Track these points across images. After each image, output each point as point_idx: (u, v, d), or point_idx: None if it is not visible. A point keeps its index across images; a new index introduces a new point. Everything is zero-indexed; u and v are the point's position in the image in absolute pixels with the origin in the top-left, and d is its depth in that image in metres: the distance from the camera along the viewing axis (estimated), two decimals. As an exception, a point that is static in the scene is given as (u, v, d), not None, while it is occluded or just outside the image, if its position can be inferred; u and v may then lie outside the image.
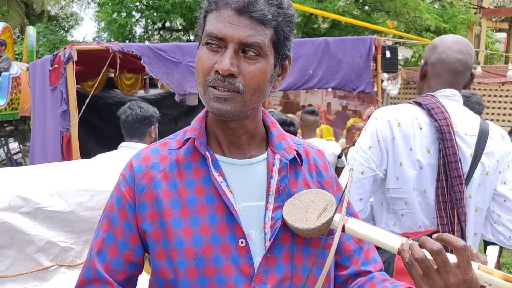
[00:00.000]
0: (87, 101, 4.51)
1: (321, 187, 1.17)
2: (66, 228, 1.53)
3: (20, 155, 10.65)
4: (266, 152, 1.15)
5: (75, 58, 4.18)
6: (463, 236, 1.76)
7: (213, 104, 1.02)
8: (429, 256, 0.90)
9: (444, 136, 1.75)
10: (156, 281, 1.09)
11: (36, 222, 1.48)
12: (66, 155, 4.31)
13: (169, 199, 1.07)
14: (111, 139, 7.14)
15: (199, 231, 1.04)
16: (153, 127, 2.95)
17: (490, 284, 0.90)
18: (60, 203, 1.52)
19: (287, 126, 3.27)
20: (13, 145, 10.66)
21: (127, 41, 13.57)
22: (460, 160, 1.75)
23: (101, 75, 4.79)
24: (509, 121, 10.25)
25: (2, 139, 9.88)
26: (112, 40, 13.64)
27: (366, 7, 14.34)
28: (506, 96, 10.67)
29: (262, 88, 1.06)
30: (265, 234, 1.08)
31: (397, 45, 6.55)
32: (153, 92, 7.79)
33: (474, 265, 0.91)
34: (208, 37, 1.02)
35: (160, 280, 1.08)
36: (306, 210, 1.08)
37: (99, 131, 7.27)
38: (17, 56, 14.56)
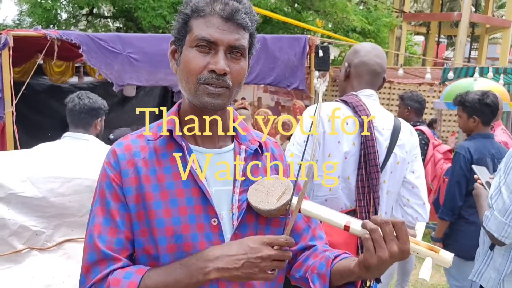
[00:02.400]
0: (22, 89, 4.37)
1: (278, 174, 1.36)
2: (37, 213, 1.59)
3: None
4: (233, 143, 1.32)
5: (12, 44, 4.05)
6: (376, 214, 2.06)
7: (207, 99, 1.17)
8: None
9: (365, 130, 2.03)
10: (140, 258, 1.20)
11: (10, 207, 1.53)
12: (0, 146, 4.15)
13: (150, 184, 1.20)
14: (40, 128, 6.92)
15: (178, 212, 1.18)
16: (99, 119, 2.79)
17: (417, 253, 1.11)
18: (32, 189, 1.58)
19: None
20: None
21: (51, 25, 12.97)
22: (377, 151, 2.04)
23: (36, 62, 4.63)
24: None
25: None
26: (35, 24, 12.97)
27: (297, 5, 14.77)
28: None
29: (242, 83, 1.24)
30: (233, 214, 1.24)
31: (329, 45, 6.91)
32: (85, 80, 7.57)
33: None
34: (200, 40, 1.16)
35: (144, 257, 1.20)
36: (267, 194, 1.25)
37: (26, 120, 6.97)
38: None
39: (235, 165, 1.28)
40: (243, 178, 1.27)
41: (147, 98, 7.96)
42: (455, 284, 3.36)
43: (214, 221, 1.20)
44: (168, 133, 1.24)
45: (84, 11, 14.59)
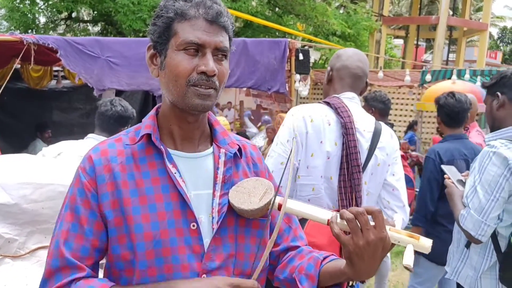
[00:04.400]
0: (0, 90, 4.29)
1: (257, 176, 1.36)
2: (9, 220, 1.56)
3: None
4: (212, 147, 1.31)
5: (-14, 48, 3.97)
6: None
7: (197, 101, 1.17)
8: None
9: (348, 131, 2.06)
10: (115, 264, 1.18)
11: (-20, 214, 1.49)
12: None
13: (128, 189, 1.18)
14: (16, 133, 6.80)
15: (157, 217, 1.17)
16: (126, 127, 2.93)
17: (399, 242, 1.13)
18: (3, 195, 1.55)
19: None
20: None
21: (30, 30, 12.79)
22: (359, 152, 2.06)
23: (12, 67, 4.55)
24: (404, 121, 11.24)
25: None
26: (13, 29, 12.78)
27: (277, 9, 14.84)
28: (402, 98, 11.67)
29: (225, 84, 1.26)
30: (213, 218, 1.24)
31: (308, 48, 6.96)
32: (65, 85, 7.48)
33: (386, 227, 1.13)
34: (188, 44, 1.16)
35: (120, 263, 1.18)
36: (249, 195, 1.25)
37: (3, 124, 6.86)
38: None
39: (214, 168, 1.27)
40: (224, 182, 1.26)
41: (129, 102, 7.91)
42: (415, 284, 3.36)
43: (193, 226, 1.19)
44: (145, 138, 1.23)
45: (63, 15, 14.43)
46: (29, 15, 12.36)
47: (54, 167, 1.74)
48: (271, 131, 5.93)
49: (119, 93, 5.69)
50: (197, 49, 1.17)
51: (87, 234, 1.16)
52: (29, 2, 12.08)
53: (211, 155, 1.30)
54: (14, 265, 1.55)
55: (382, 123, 2.25)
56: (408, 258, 1.08)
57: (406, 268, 1.09)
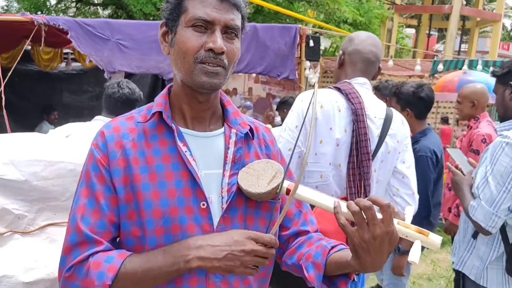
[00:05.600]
0: (9, 74, 4.30)
1: (269, 158, 1.36)
2: (20, 196, 1.57)
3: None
4: (223, 127, 1.31)
5: (-4, 28, 3.98)
6: None
7: (204, 79, 1.17)
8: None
9: (358, 118, 2.03)
10: (126, 241, 1.19)
11: (-9, 190, 1.51)
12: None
13: (138, 166, 1.19)
14: (25, 114, 6.84)
15: (167, 194, 1.18)
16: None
17: (406, 236, 1.11)
18: (14, 172, 1.56)
19: None
20: None
21: (39, 12, 12.80)
22: (369, 139, 2.04)
23: (22, 48, 4.56)
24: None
25: None
26: (23, 10, 12.79)
27: (289, -4, 14.71)
28: (412, 88, 11.56)
29: (236, 63, 1.25)
30: (223, 197, 1.24)
31: (320, 35, 6.90)
32: (75, 67, 7.50)
33: (395, 220, 1.11)
34: (197, 20, 1.16)
35: (130, 240, 1.18)
36: (258, 177, 1.25)
37: (12, 106, 6.90)
38: None
39: (225, 148, 1.27)
40: (234, 162, 1.26)
41: (138, 86, 7.90)
42: (392, 280, 3.29)
43: (203, 205, 1.20)
44: (156, 116, 1.24)
45: (74, -2, 14.42)
46: (40, -3, 12.36)
47: (64, 145, 1.75)
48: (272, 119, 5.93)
49: (128, 76, 5.69)
50: (206, 26, 1.17)
51: (103, 209, 1.16)
52: (40, -17, 12.09)
53: (222, 135, 1.30)
54: (23, 241, 1.56)
55: (393, 110, 2.23)
56: (415, 254, 1.06)
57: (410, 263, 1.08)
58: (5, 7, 14.43)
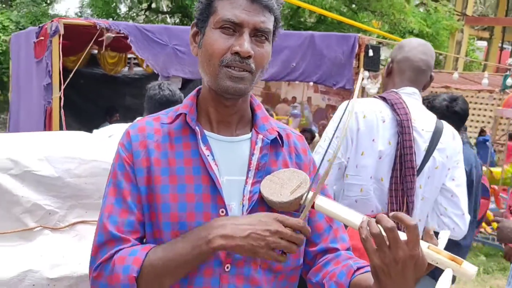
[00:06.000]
0: (71, 76, 4.51)
1: (299, 168, 1.28)
2: (52, 192, 1.59)
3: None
4: (251, 132, 1.26)
5: (62, 32, 4.18)
6: None
7: (228, 83, 1.13)
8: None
9: (403, 129, 1.90)
10: (149, 242, 1.18)
11: (24, 184, 1.54)
12: (48, 128, 4.31)
13: (159, 167, 1.16)
14: (90, 115, 7.15)
15: (185, 198, 1.14)
16: None
17: (437, 263, 1.00)
18: (48, 168, 1.58)
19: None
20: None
21: (110, 19, 13.44)
22: (415, 152, 1.91)
23: (86, 51, 4.77)
24: (481, 127, 10.57)
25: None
26: (95, 16, 13.48)
27: (353, 5, 14.49)
28: (481, 104, 10.99)
29: (265, 68, 1.20)
30: (243, 206, 1.18)
31: (380, 45, 6.70)
32: (137, 72, 7.77)
33: (425, 244, 1.01)
34: (225, 22, 1.12)
35: (152, 241, 1.17)
36: (282, 186, 1.18)
37: (78, 107, 7.24)
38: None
39: (250, 154, 1.22)
40: (257, 169, 1.20)
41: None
42: None
43: (222, 212, 1.15)
44: (182, 118, 1.22)
45: (143, 6, 15.00)
46: (111, 4, 12.98)
47: (100, 144, 1.76)
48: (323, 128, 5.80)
49: (187, 81, 5.81)
50: (235, 28, 1.12)
51: (131, 207, 1.15)
52: (111, -9, 12.70)
53: (248, 141, 1.25)
54: (52, 237, 1.58)
55: (444, 122, 2.07)
56: (444, 283, 0.95)
57: None
58: (79, 13, 15.27)
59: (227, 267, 1.15)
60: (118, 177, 1.18)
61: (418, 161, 1.94)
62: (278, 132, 1.27)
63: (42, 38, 4.45)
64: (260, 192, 1.18)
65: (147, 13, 15.46)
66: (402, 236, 0.99)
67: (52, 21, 4.31)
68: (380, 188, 1.95)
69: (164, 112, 1.30)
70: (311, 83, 7.92)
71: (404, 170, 1.91)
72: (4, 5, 16.21)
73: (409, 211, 1.93)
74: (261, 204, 1.19)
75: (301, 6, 11.61)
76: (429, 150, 1.97)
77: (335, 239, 1.31)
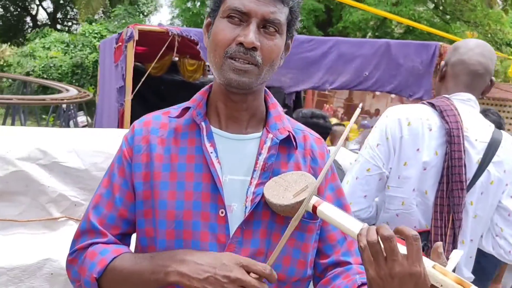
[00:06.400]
0: (142, 79, 4.69)
1: (314, 173, 1.18)
2: (79, 184, 1.62)
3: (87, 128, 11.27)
4: (262, 131, 1.18)
5: (136, 37, 4.37)
6: (454, 240, 1.71)
7: (231, 76, 1.05)
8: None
9: (452, 139, 1.69)
10: (140, 239, 1.14)
11: (52, 174, 1.58)
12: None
13: (161, 163, 1.12)
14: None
15: (183, 196, 1.08)
16: None
17: (441, 285, 0.87)
18: (76, 160, 1.62)
19: (316, 118, 3.23)
20: (82, 118, 11.26)
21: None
22: (465, 165, 1.69)
23: (158, 56, 4.95)
24: None
25: (71, 111, 10.49)
26: (185, 27, 14.09)
27: (445, 16, 13.78)
28: None
29: (275, 63, 1.10)
30: (246, 208, 1.09)
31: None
32: (211, 78, 7.97)
33: (429, 263, 0.89)
34: (232, 10, 1.05)
35: (144, 239, 1.12)
36: (286, 189, 1.09)
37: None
38: (95, 35, 15.44)
39: (257, 154, 1.14)
40: (263, 170, 1.12)
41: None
42: None
43: (222, 212, 1.08)
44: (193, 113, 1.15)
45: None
46: (199, 15, 13.49)
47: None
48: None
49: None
50: (242, 18, 1.05)
51: (116, 202, 1.14)
52: (199, 3, 13.18)
53: (258, 140, 1.16)
54: (75, 228, 1.60)
55: (504, 133, 1.83)
56: None
57: None
58: (170, 25, 16.07)
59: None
60: (114, 169, 1.17)
61: (469, 174, 1.72)
62: (290, 133, 1.17)
63: (120, 44, 4.68)
64: (263, 194, 1.10)
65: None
66: (403, 250, 0.88)
67: (128, 27, 4.52)
68: (424, 202, 1.76)
69: (176, 106, 1.25)
70: (393, 95, 7.61)
71: (451, 183, 1.70)
72: (103, 17, 17.50)
73: (455, 229, 1.72)
74: (265, 207, 1.10)
75: (388, 17, 11.25)
76: (483, 163, 1.74)
77: (349, 252, 1.19)
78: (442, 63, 1.93)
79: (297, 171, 1.15)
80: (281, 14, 1.07)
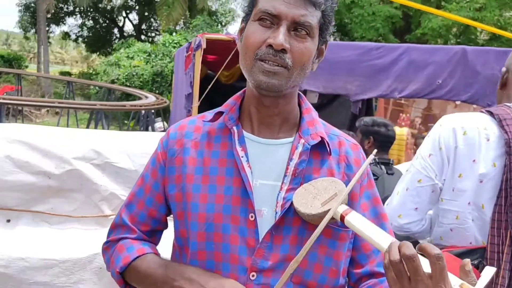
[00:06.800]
0: (209, 87, 4.83)
1: (348, 180, 1.15)
2: (128, 184, 1.71)
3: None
4: (294, 136, 1.17)
5: (204, 46, 4.51)
6: None
7: (261, 78, 1.06)
8: None
9: None
10: (177, 239, 1.19)
11: (104, 174, 1.68)
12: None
13: (194, 166, 1.15)
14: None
15: (214, 199, 1.11)
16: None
17: None
18: (127, 161, 1.70)
19: (377, 126, 3.14)
20: (159, 124, 11.79)
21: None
22: None
23: (226, 64, 5.06)
24: None
25: (150, 117, 11.02)
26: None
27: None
28: None
29: (306, 67, 1.10)
30: (276, 213, 1.10)
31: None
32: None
33: (457, 281, 0.85)
34: (262, 13, 1.07)
35: (179, 239, 1.17)
36: (315, 196, 1.07)
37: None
38: (174, 45, 16.13)
39: (288, 159, 1.14)
40: (294, 175, 1.12)
41: (341, 109, 7.92)
42: None
43: (252, 217, 1.09)
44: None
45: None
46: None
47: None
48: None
49: (336, 97, 5.79)
50: (272, 20, 1.06)
51: (147, 202, 1.21)
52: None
53: (289, 145, 1.16)
54: (124, 226, 1.68)
55: None
56: None
57: None
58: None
59: (253, 275, 1.08)
60: (148, 170, 1.23)
61: None
62: (322, 138, 1.16)
63: (189, 52, 4.86)
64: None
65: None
66: (428, 268, 0.84)
67: (197, 36, 4.68)
68: (481, 217, 1.64)
69: (212, 111, 1.28)
70: (475, 105, 7.21)
71: (510, 198, 1.58)
72: (183, 27, 18.25)
73: None
74: (295, 213, 1.09)
75: (470, 24, 10.68)
76: None
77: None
78: (504, 69, 1.80)
79: (328, 177, 1.13)
80: (313, 17, 1.06)
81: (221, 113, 1.19)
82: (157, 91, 15.95)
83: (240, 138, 1.14)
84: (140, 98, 12.64)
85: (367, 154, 3.38)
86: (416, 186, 1.72)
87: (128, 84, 16.36)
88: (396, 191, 1.79)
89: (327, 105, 7.23)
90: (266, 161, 1.14)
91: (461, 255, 1.62)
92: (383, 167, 3.05)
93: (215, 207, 1.10)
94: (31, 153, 1.59)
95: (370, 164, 3.32)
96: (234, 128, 1.15)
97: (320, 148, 1.14)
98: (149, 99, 12.04)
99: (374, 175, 2.93)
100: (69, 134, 1.72)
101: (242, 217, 1.08)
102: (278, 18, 1.05)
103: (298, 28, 1.05)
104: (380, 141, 3.08)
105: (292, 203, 1.09)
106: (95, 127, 9.84)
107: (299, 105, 1.22)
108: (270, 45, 1.04)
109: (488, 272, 0.89)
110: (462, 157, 1.66)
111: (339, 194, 1.05)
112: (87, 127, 10.22)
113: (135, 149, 1.73)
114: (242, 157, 1.12)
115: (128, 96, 15.54)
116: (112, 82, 16.85)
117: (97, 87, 18.43)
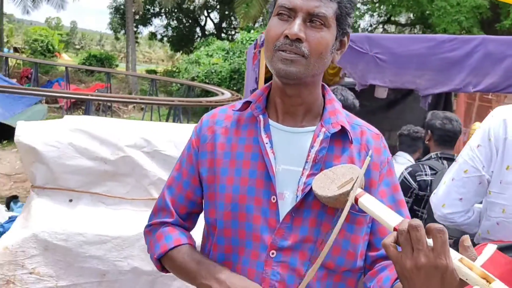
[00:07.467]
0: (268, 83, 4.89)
1: (369, 168, 1.20)
2: (174, 171, 1.85)
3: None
4: (317, 125, 1.24)
5: (269, 42, 4.57)
6: None
7: (280, 66, 1.15)
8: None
9: None
10: (206, 219, 1.29)
11: (153, 161, 1.83)
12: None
13: (223, 151, 1.25)
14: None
15: (239, 181, 1.21)
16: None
17: (466, 279, 0.85)
18: (173, 149, 1.85)
19: (435, 120, 3.04)
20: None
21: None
22: None
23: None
24: None
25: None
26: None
27: None
28: None
29: (324, 56, 1.16)
30: (297, 196, 1.18)
31: None
32: (347, 82, 7.87)
33: (456, 255, 0.88)
34: (280, 8, 1.16)
35: (208, 218, 1.27)
36: (332, 181, 1.13)
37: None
38: (251, 42, 16.41)
39: (310, 146, 1.21)
40: (314, 161, 1.19)
41: (415, 104, 7.62)
42: None
43: (273, 199, 1.18)
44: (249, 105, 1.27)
45: (381, 19, 15.05)
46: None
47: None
48: None
49: (409, 92, 5.62)
50: (289, 14, 1.15)
51: (184, 185, 1.31)
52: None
53: (312, 133, 1.24)
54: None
55: None
56: None
57: None
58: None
59: (272, 253, 1.16)
60: (184, 156, 1.34)
61: None
62: (342, 127, 1.21)
63: (256, 49, 4.97)
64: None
65: (385, 26, 15.43)
66: (430, 242, 0.88)
67: (262, 33, 4.76)
68: None
69: (242, 100, 1.38)
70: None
71: None
72: (262, 24, 18.49)
73: None
74: (315, 197, 1.16)
75: None
76: None
77: None
78: None
79: (347, 164, 1.18)
80: (327, 8, 1.12)
81: (249, 102, 1.28)
82: (234, 88, 16.34)
83: (265, 126, 1.22)
84: (217, 95, 13.06)
85: (428, 148, 3.32)
86: (462, 177, 1.70)
87: (207, 81, 16.92)
88: (443, 181, 1.77)
89: (400, 100, 7.01)
90: (289, 148, 1.21)
91: (507, 249, 1.58)
92: (445, 162, 2.95)
93: (240, 189, 1.19)
94: (90, 141, 1.78)
95: (431, 158, 3.21)
96: (260, 116, 1.23)
97: (342, 137, 1.20)
98: (225, 95, 12.40)
99: (433, 169, 2.84)
100: (123, 125, 1.90)
101: (265, 199, 1.17)
102: (294, 11, 1.12)
103: (313, 19, 1.12)
104: (438, 135, 2.99)
105: (311, 187, 1.15)
106: (174, 121, 10.33)
107: (324, 95, 1.28)
108: (286, 36, 1.11)
109: (489, 249, 0.90)
110: (511, 149, 1.61)
111: (355, 178, 1.10)
112: (166, 121, 10.76)
113: (181, 138, 1.87)
114: (266, 143, 1.20)
115: (207, 93, 16.08)
116: (192, 79, 17.50)
117: (178, 84, 19.24)
